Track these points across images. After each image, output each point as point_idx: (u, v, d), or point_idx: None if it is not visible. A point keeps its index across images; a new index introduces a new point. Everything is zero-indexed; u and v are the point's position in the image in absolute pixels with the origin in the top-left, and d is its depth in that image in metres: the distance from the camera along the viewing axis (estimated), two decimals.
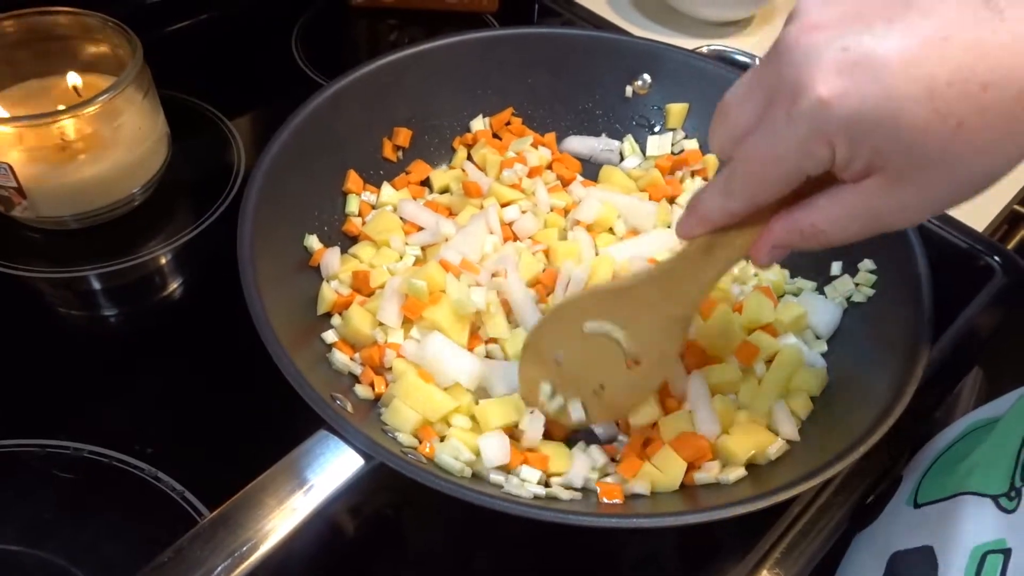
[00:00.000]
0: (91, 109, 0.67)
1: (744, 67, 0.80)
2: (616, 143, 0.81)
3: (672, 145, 0.80)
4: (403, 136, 0.76)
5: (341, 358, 0.61)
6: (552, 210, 0.73)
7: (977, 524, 0.50)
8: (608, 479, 0.57)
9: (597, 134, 0.82)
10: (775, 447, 0.57)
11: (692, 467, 0.57)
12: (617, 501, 0.55)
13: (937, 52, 0.33)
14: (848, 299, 0.67)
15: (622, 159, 0.81)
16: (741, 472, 0.56)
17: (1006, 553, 0.47)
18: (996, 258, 0.73)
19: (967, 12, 0.33)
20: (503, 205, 0.71)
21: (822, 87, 0.34)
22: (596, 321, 0.54)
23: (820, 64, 0.34)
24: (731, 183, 0.42)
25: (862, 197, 0.38)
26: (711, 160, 0.78)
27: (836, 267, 0.69)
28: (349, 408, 0.55)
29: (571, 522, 0.49)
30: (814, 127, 0.35)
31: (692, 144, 0.80)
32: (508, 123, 0.80)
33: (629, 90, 0.80)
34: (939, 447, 0.62)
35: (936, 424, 0.71)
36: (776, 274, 0.71)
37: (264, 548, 0.45)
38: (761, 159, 0.39)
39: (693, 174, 0.78)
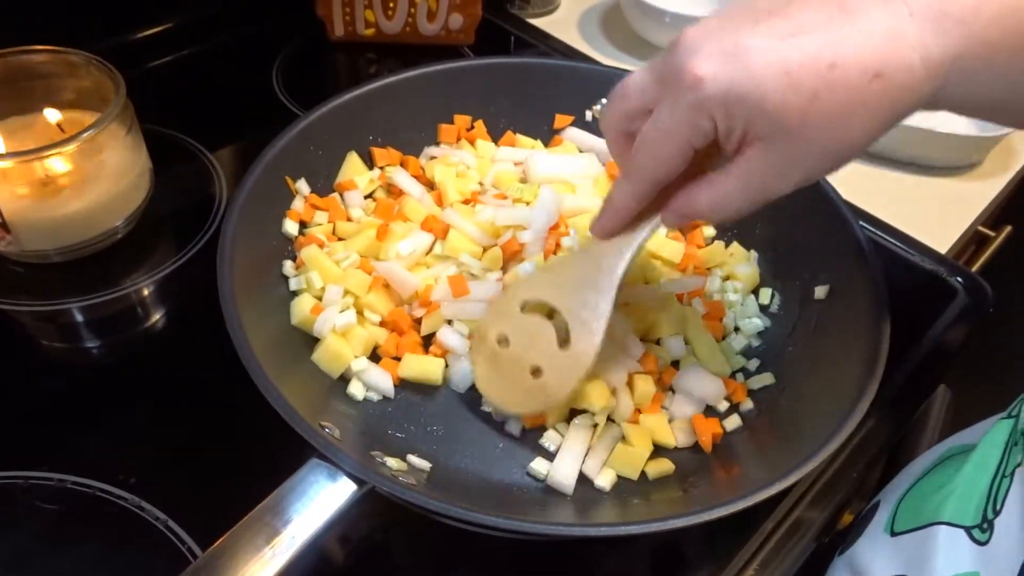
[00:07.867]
0: (75, 145, 0.68)
1: None
2: None
3: None
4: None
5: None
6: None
7: (950, 555, 0.52)
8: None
9: None
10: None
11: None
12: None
13: (790, 42, 0.41)
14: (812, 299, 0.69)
15: None
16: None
17: None
18: (959, 279, 0.76)
19: (821, 15, 0.41)
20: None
21: (700, 69, 0.42)
22: (531, 294, 0.61)
23: (699, 54, 0.43)
24: (634, 168, 0.49)
25: (745, 165, 0.45)
26: None
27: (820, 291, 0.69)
28: (337, 435, 0.55)
29: (557, 533, 0.52)
30: (696, 102, 0.43)
31: None
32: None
33: (589, 115, 0.82)
34: (915, 472, 0.63)
35: (905, 443, 0.73)
36: (748, 266, 0.73)
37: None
38: (655, 136, 0.46)
39: None
